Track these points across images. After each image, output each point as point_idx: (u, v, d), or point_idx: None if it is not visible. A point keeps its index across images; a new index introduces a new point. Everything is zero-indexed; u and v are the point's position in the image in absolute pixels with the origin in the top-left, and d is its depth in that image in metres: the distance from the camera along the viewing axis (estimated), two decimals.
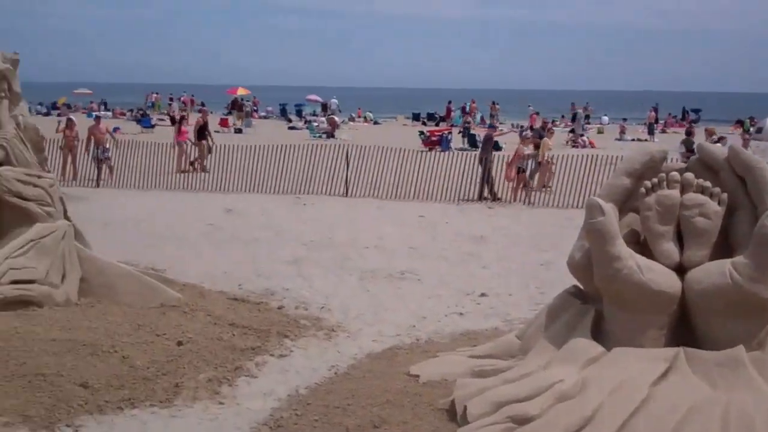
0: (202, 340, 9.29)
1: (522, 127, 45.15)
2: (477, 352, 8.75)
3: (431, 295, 12.52)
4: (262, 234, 17.23)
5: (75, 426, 7.26)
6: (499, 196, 23.28)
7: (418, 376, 8.32)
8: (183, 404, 7.86)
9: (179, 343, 9.08)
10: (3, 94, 10.02)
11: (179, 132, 29.11)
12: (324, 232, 17.48)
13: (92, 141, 26.14)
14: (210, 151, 28.10)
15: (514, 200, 23.05)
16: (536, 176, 24.85)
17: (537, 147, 25.44)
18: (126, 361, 8.45)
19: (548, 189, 23.94)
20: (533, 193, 23.47)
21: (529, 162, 24.23)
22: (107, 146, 26.06)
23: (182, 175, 25.63)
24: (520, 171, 23.51)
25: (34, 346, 8.50)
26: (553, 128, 36.61)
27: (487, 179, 23.37)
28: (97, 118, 29.11)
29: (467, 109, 60.88)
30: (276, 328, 10.18)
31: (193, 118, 49.17)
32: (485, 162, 23.45)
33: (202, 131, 28.77)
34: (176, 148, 28.01)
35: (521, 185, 23.41)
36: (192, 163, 27.95)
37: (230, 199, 22.57)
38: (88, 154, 26.07)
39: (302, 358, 9.35)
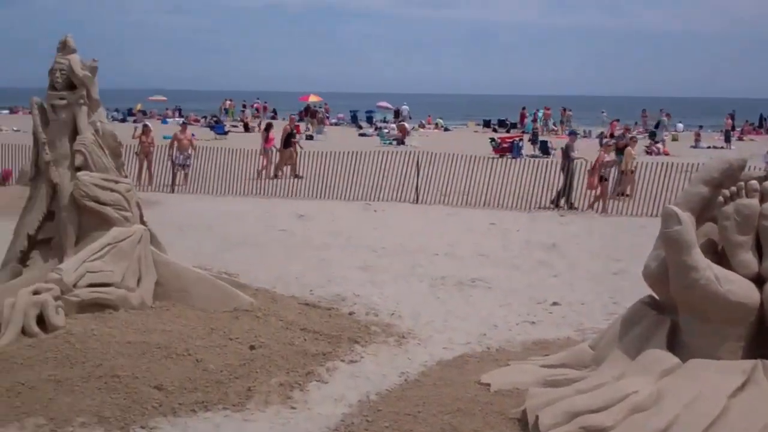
0: (274, 345, 9.36)
1: (602, 134, 44.61)
2: (549, 361, 8.66)
3: (502, 303, 12.43)
4: (332, 240, 17.32)
5: (149, 428, 7.38)
6: (576, 204, 22.96)
7: (489, 384, 8.27)
8: (255, 408, 7.92)
9: (252, 348, 9.16)
10: (82, 101, 10.24)
11: (267, 139, 29.34)
12: (394, 239, 17.49)
13: (175, 146, 26.62)
14: (292, 158, 28.33)
15: (597, 209, 22.67)
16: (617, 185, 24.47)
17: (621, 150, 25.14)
18: (199, 365, 8.55)
19: (628, 197, 23.51)
20: (609, 201, 23.11)
21: (612, 170, 23.81)
22: (189, 153, 26.46)
23: (255, 180, 25.89)
24: (603, 179, 23.02)
25: (110, 348, 8.66)
26: (637, 137, 36.06)
27: (566, 187, 23.06)
28: (184, 125, 29.57)
29: (538, 115, 60.32)
30: (347, 334, 10.21)
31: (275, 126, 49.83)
32: (567, 170, 23.13)
33: (288, 138, 28.95)
34: (264, 154, 28.26)
35: (603, 193, 22.95)
36: (277, 170, 28.18)
37: (302, 204, 22.75)
38: (172, 160, 26.55)
39: (373, 365, 9.36)
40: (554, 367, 8.34)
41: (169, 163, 26.25)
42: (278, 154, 28.94)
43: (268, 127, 30.39)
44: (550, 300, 12.64)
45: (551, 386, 7.69)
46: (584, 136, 47.62)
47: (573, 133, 26.90)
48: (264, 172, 27.93)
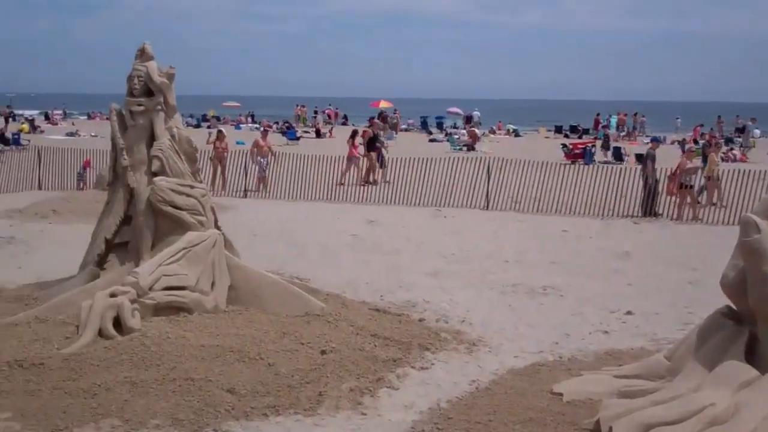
0: (345, 350, 9.39)
1: (684, 140, 43.77)
2: (623, 371, 8.53)
3: (574, 312, 12.28)
4: (403, 246, 17.33)
5: (222, 431, 7.46)
6: (660, 212, 22.49)
7: (561, 394, 8.17)
8: (326, 413, 7.95)
9: (323, 352, 9.20)
10: (159, 107, 10.43)
11: (354, 145, 29.28)
12: (464, 245, 17.43)
13: (255, 152, 26.92)
14: (384, 164, 28.37)
15: (677, 217, 22.18)
16: (704, 193, 23.87)
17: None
18: (271, 369, 8.63)
19: (719, 206, 22.85)
20: (700, 209, 22.53)
21: (697, 177, 23.22)
22: (267, 159, 26.73)
23: (326, 186, 25.98)
24: (684, 186, 22.46)
25: (185, 351, 8.78)
26: (720, 142, 35.30)
27: (650, 195, 22.68)
28: (264, 131, 29.75)
29: (611, 121, 59.47)
30: (417, 341, 10.19)
31: (338, 131, 49.97)
32: (649, 177, 22.71)
33: (372, 143, 28.92)
34: (350, 161, 28.26)
35: (685, 200, 22.40)
36: (367, 175, 28.28)
37: (372, 210, 22.82)
38: (254, 164, 26.85)
39: (443, 372, 9.33)
40: (628, 378, 8.21)
41: (242, 169, 26.51)
42: (365, 159, 28.83)
43: (354, 134, 30.26)
44: (624, 309, 12.43)
45: (625, 397, 7.58)
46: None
47: (655, 140, 26.32)
48: (348, 177, 27.84)
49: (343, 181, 27.35)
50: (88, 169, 26.40)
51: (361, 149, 29.40)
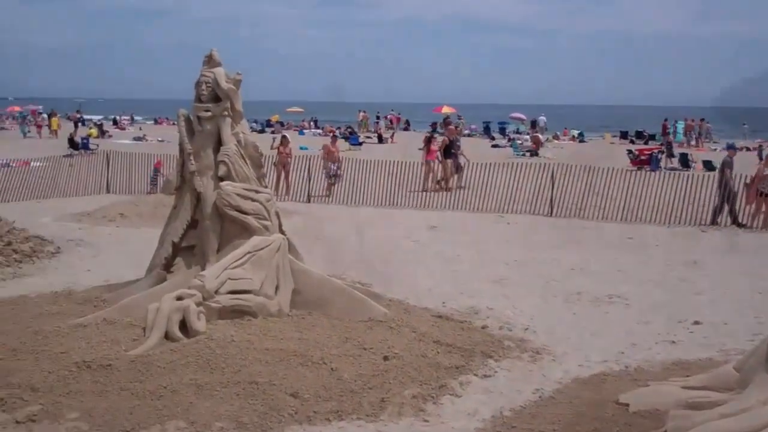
0: (408, 356, 9.37)
1: (760, 146, 42.70)
2: (691, 382, 8.36)
3: (640, 321, 12.09)
4: (465, 252, 17.27)
5: None
6: (743, 221, 21.91)
7: (627, 405, 8.05)
8: (389, 419, 7.94)
9: (385, 358, 9.20)
10: (226, 113, 10.54)
11: (428, 151, 29.09)
12: (527, 252, 17.30)
13: (325, 157, 27.12)
14: (459, 169, 28.22)
15: (752, 225, 21.68)
16: None
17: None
18: (334, 374, 8.65)
19: None
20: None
21: None
22: (337, 164, 26.90)
23: (389, 191, 25.96)
24: (762, 194, 21.80)
25: (249, 354, 8.85)
26: None
27: (727, 203, 22.17)
28: (334, 137, 29.84)
29: (677, 127, 58.44)
30: (480, 348, 10.13)
31: (399, 137, 49.83)
32: (726, 185, 22.18)
33: (448, 150, 28.75)
34: (424, 166, 28.21)
35: (760, 209, 21.80)
36: (439, 182, 28.20)
37: (434, 216, 22.78)
38: (325, 170, 27.08)
39: (506, 380, 9.25)
40: (696, 389, 8.04)
41: (306, 174, 26.64)
42: (440, 165, 28.60)
43: (429, 139, 29.99)
44: (691, 319, 12.19)
45: (693, 409, 7.42)
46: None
47: (732, 147, 25.65)
48: (430, 183, 27.74)
49: (426, 188, 27.11)
50: (160, 170, 26.84)
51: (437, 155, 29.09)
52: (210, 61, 10.66)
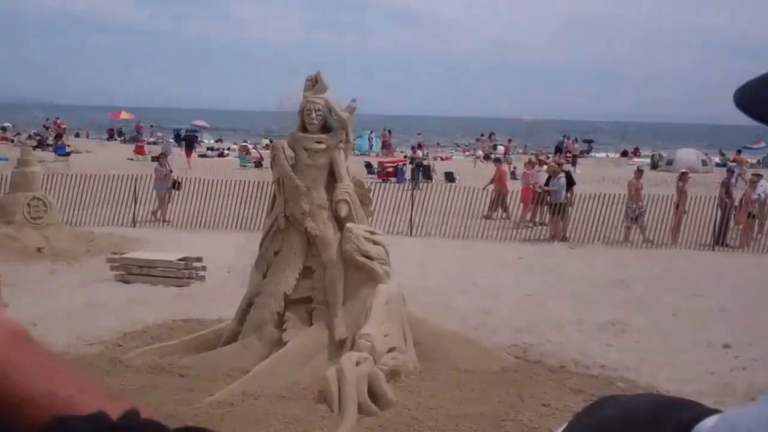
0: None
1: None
2: None
3: (677, 350, 11.91)
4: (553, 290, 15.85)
5: None
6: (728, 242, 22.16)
7: None
8: None
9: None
10: (341, 145, 9.25)
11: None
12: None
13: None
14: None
15: (745, 245, 22.08)
16: None
17: None
18: None
19: None
20: None
21: None
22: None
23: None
24: (750, 215, 22.28)
25: (454, 422, 7.80)
26: None
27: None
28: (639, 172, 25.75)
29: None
30: (601, 391, 9.58)
31: None
32: (723, 204, 22.43)
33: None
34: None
35: (750, 230, 22.29)
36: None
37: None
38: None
39: None
40: None
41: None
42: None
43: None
44: (715, 342, 12.32)
45: None
46: None
47: (730, 169, 25.44)
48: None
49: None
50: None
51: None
52: (316, 85, 9.28)
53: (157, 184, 23.53)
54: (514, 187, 26.71)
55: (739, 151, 53.90)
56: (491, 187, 25.85)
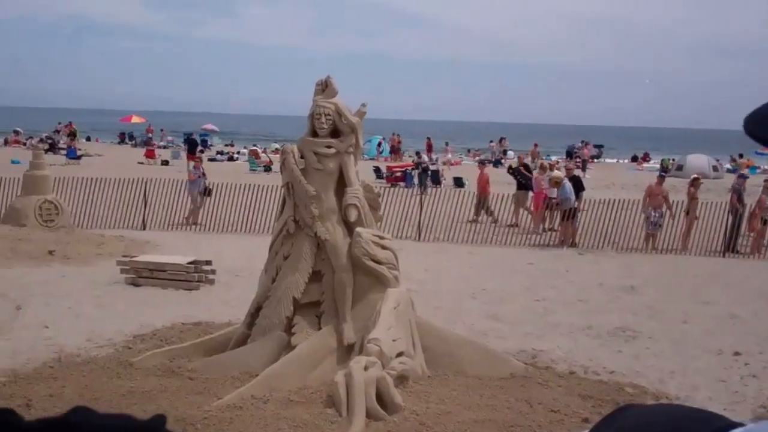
0: (591, 416, 8.62)
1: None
2: None
3: (687, 356, 11.88)
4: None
5: None
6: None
7: None
8: None
9: (585, 420, 8.40)
10: (351, 149, 9.26)
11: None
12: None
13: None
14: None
15: (759, 252, 21.80)
16: None
17: None
18: None
19: None
20: None
21: None
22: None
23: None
24: (766, 222, 21.88)
25: (463, 428, 7.76)
26: None
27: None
28: (661, 177, 24.69)
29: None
30: (613, 397, 9.55)
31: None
32: (735, 211, 22.14)
33: None
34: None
35: (763, 236, 21.96)
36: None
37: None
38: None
39: None
40: None
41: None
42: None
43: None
44: (725, 350, 12.28)
45: None
46: None
47: (742, 176, 24.85)
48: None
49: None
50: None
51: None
52: (327, 90, 9.30)
53: (191, 185, 23.61)
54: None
55: (741, 155, 53.90)
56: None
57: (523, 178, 26.65)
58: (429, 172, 35.98)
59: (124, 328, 11.66)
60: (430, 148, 53.99)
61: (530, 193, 25.76)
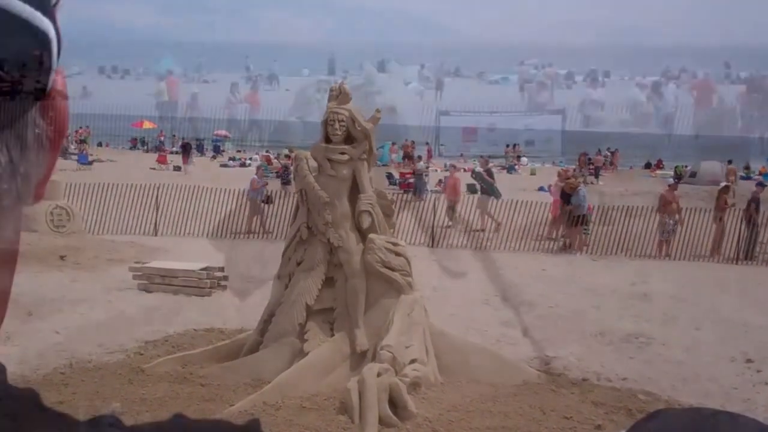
0: (607, 424, 8.58)
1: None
2: None
3: (696, 363, 11.84)
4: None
5: None
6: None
7: None
8: None
9: (598, 428, 8.36)
10: (365, 156, 9.25)
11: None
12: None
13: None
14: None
15: None
16: None
17: None
18: None
19: None
20: None
21: None
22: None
23: None
24: None
25: None
26: None
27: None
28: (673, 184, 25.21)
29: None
30: (625, 404, 9.49)
31: None
32: (751, 220, 22.02)
33: None
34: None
35: None
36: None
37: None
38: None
39: None
40: None
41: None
42: None
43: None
44: (738, 356, 12.21)
45: None
46: None
47: (760, 184, 24.74)
48: None
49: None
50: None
51: None
52: (340, 96, 9.29)
53: (251, 193, 23.56)
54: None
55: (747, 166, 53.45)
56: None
57: (485, 183, 26.35)
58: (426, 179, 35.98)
59: (135, 334, 11.66)
60: (430, 155, 53.73)
61: (491, 198, 25.26)
